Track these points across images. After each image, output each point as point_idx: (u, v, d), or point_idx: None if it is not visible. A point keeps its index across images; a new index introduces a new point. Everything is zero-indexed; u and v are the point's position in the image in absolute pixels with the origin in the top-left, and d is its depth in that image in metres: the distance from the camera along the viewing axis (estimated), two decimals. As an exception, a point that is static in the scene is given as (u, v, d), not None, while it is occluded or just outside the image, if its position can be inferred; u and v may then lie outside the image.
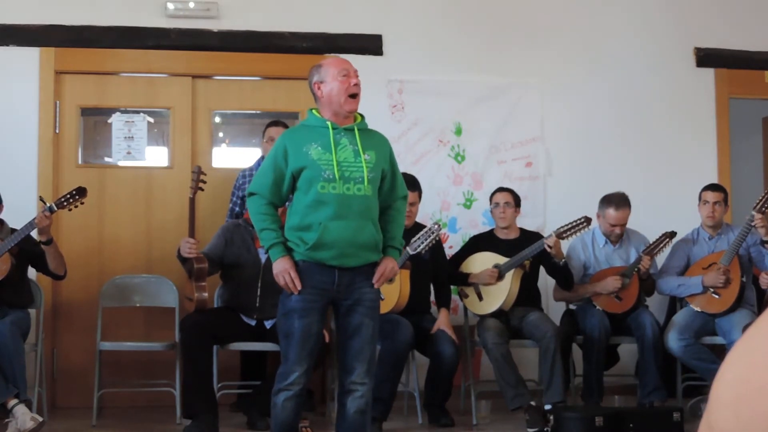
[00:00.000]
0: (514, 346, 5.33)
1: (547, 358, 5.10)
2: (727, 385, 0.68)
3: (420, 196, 5.39)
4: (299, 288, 3.65)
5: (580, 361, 5.46)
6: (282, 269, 3.65)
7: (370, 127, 3.86)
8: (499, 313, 5.34)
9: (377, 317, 3.78)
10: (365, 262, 3.70)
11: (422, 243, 5.00)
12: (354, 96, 3.74)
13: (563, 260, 5.31)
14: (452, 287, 5.77)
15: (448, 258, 5.64)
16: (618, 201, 5.49)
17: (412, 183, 5.27)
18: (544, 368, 5.12)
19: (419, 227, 5.19)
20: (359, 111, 3.84)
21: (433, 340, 5.18)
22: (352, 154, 3.67)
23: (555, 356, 5.08)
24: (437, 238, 5.11)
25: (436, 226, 5.08)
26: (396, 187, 3.84)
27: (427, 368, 5.28)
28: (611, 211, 5.48)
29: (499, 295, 5.32)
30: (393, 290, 5.12)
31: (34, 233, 5.14)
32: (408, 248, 5.00)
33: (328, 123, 3.71)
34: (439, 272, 5.44)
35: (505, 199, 5.48)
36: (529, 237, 5.46)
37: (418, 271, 5.22)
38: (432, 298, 5.52)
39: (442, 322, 5.26)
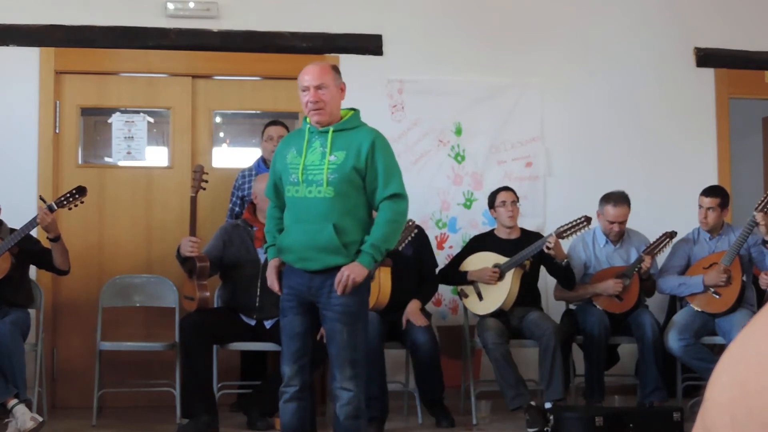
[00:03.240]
0: (514, 346, 5.32)
1: (547, 356, 5.10)
2: (723, 387, 0.68)
3: None
4: (276, 289, 3.78)
5: (580, 360, 5.46)
6: (267, 271, 3.80)
7: (368, 125, 3.84)
8: (498, 313, 5.33)
9: (352, 322, 3.66)
10: (328, 266, 3.62)
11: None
12: (315, 109, 3.67)
13: (565, 260, 5.30)
14: (452, 288, 5.77)
15: (449, 258, 5.64)
16: (616, 198, 5.48)
17: None
18: (544, 366, 5.11)
19: None
20: (352, 107, 3.83)
21: (408, 330, 5.18)
22: (319, 156, 3.66)
23: (555, 354, 5.08)
24: (415, 233, 5.13)
25: (410, 222, 5.07)
26: (378, 187, 3.67)
27: (412, 363, 5.28)
28: (609, 208, 5.48)
29: (499, 295, 5.32)
30: (372, 288, 5.12)
31: (34, 232, 5.15)
32: None
33: (308, 127, 3.74)
34: (424, 268, 5.43)
35: (511, 197, 5.49)
36: (530, 237, 5.46)
37: (401, 268, 5.21)
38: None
39: (409, 311, 5.21)
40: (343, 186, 3.61)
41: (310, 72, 3.72)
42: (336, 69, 3.81)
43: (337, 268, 3.61)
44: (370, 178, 3.65)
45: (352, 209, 3.64)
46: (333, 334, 3.65)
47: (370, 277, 3.76)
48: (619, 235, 5.57)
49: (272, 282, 3.78)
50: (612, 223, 5.49)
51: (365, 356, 3.75)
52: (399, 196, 3.69)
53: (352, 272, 3.59)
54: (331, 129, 3.68)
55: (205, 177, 5.10)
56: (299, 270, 3.68)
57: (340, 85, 3.75)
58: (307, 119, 3.77)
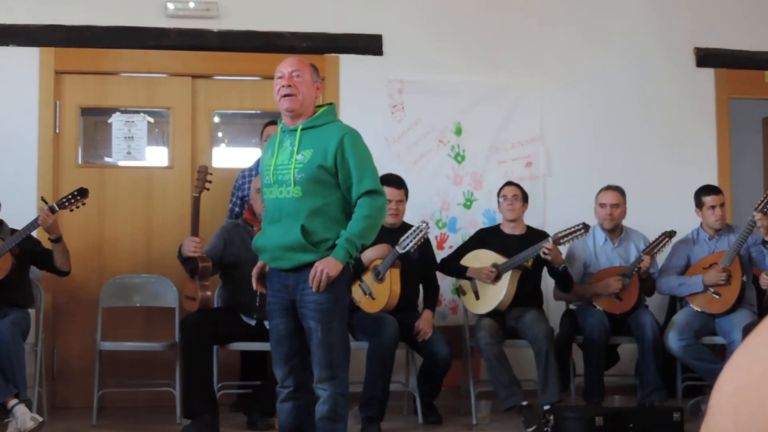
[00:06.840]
0: (511, 346, 5.33)
1: (541, 360, 5.10)
2: (727, 396, 0.68)
3: (407, 195, 5.40)
4: (255, 288, 3.81)
5: (580, 360, 5.46)
6: (253, 271, 3.82)
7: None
8: (494, 313, 5.34)
9: (326, 319, 3.56)
10: (299, 264, 3.56)
11: (411, 241, 5.02)
12: (288, 96, 3.61)
13: (562, 266, 5.30)
14: (452, 288, 5.77)
15: (452, 249, 5.66)
16: (608, 186, 5.57)
17: (397, 182, 5.32)
18: (539, 370, 5.12)
19: (407, 227, 5.20)
20: (330, 102, 3.82)
21: (428, 340, 5.20)
22: (288, 156, 3.59)
23: (548, 357, 5.08)
24: (426, 236, 5.13)
25: (424, 224, 5.08)
26: (353, 185, 3.56)
27: (420, 366, 5.31)
28: (601, 194, 5.55)
29: (495, 296, 5.32)
30: (383, 289, 5.14)
31: (35, 233, 5.15)
32: (397, 247, 5.04)
33: (280, 126, 3.71)
34: (428, 272, 5.45)
35: (512, 192, 5.50)
36: (535, 234, 5.44)
37: (407, 270, 5.22)
38: (421, 298, 5.52)
39: (427, 325, 5.23)
40: (311, 185, 3.54)
41: (287, 61, 3.70)
42: (315, 68, 3.75)
43: (311, 264, 3.53)
44: (343, 176, 3.56)
45: (322, 208, 3.56)
46: (309, 332, 3.58)
47: (348, 275, 3.66)
48: (615, 223, 5.55)
49: (254, 282, 3.80)
50: (603, 205, 5.51)
51: (345, 356, 3.63)
52: (375, 192, 3.57)
53: (325, 267, 3.49)
54: (300, 127, 3.61)
55: (209, 177, 5.11)
56: (276, 269, 3.66)
57: (316, 83, 3.69)
58: (281, 120, 3.72)
